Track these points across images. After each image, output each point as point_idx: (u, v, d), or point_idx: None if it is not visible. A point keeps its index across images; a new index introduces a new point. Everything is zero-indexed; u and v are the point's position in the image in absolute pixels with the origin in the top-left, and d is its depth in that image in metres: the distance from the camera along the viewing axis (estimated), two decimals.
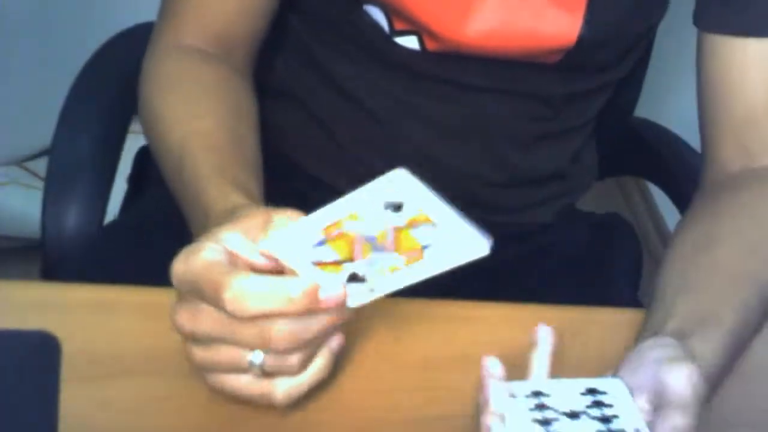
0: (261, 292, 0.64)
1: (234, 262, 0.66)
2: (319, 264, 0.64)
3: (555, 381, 0.67)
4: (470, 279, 0.85)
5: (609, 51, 0.99)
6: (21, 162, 2.13)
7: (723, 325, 0.79)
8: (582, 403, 0.66)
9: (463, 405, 0.73)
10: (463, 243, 0.62)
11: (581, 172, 1.14)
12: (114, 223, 1.06)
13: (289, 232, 0.65)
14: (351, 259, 0.64)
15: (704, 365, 0.73)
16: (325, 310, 0.65)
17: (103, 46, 1.14)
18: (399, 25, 0.94)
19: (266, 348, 0.66)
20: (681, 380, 0.68)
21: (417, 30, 0.94)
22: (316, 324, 0.66)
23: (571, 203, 1.15)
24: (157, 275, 0.69)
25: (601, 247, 1.11)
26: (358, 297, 0.65)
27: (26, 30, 2.10)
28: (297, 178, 1.03)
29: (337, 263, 0.64)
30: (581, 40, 0.93)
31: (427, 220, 0.63)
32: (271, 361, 0.66)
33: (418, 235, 0.63)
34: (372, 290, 0.65)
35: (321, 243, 0.64)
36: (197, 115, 0.87)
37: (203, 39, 0.93)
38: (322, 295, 0.64)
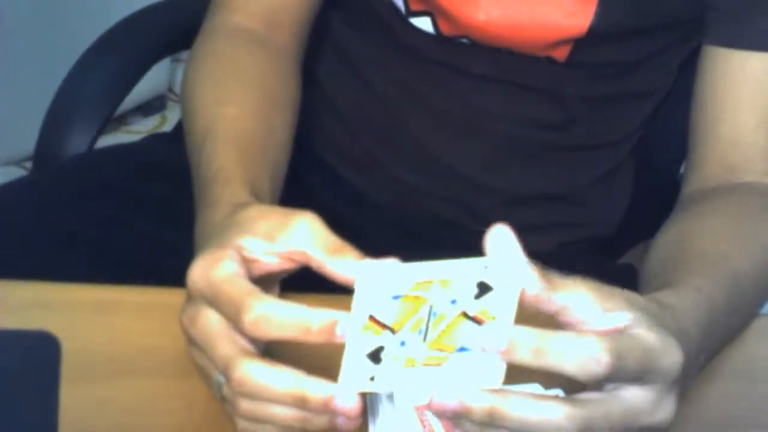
0: (280, 320, 0.62)
1: (250, 268, 0.66)
2: (371, 319, 0.61)
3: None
4: None
5: (622, 47, 0.97)
6: (21, 162, 2.13)
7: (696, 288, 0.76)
8: None
9: None
10: (483, 370, 0.60)
11: (602, 203, 1.09)
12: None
13: (391, 269, 0.61)
14: (397, 329, 0.61)
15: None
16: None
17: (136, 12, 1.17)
18: (415, 6, 0.95)
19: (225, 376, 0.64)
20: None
21: (431, 11, 0.95)
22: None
23: (584, 239, 1.09)
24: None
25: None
26: (356, 381, 0.62)
27: (25, 30, 2.10)
28: (300, 155, 0.98)
29: (383, 326, 0.61)
30: (592, 29, 0.92)
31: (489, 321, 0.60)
32: (228, 392, 0.64)
33: (465, 335, 0.60)
34: (372, 379, 0.62)
35: (397, 297, 0.61)
36: (224, 102, 0.87)
37: (252, 16, 0.94)
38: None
